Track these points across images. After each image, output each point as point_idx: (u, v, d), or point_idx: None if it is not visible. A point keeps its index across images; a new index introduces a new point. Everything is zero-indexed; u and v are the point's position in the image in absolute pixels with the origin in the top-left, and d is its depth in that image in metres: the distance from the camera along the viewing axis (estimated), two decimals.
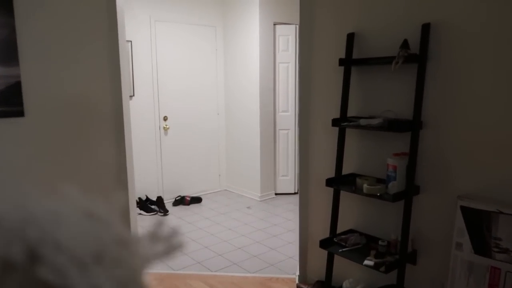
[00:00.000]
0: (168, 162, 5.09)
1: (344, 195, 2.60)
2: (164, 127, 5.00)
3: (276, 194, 5.33)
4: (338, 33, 2.56)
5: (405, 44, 2.16)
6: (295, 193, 5.21)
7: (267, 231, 4.13)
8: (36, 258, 0.29)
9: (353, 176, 2.52)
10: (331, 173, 2.59)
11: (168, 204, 4.92)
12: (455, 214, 2.09)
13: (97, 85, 2.77)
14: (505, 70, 1.93)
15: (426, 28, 2.13)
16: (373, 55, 2.41)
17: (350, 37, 2.48)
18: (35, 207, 0.32)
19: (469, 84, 2.05)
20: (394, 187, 2.23)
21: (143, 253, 0.36)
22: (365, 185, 2.32)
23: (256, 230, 4.16)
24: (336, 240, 2.54)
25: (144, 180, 4.83)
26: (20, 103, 2.48)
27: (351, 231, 2.61)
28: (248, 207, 4.90)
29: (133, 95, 4.64)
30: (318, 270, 2.84)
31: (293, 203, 4.86)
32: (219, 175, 5.63)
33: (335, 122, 2.46)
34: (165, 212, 4.66)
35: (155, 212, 4.67)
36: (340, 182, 2.53)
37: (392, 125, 2.21)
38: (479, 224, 2.00)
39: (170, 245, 0.37)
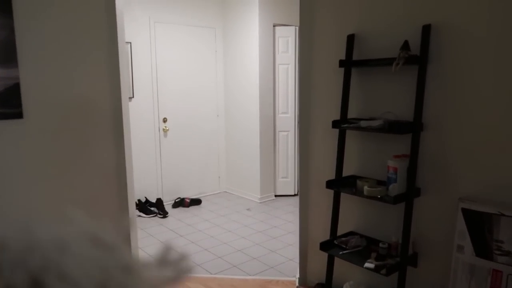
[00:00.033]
0: (167, 164, 5.08)
1: (344, 197, 2.59)
2: (163, 129, 4.99)
3: (276, 196, 5.32)
4: (338, 34, 2.55)
5: (405, 46, 2.15)
6: (295, 195, 5.20)
7: (267, 233, 4.11)
8: (39, 287, 0.29)
9: (353, 178, 2.51)
10: (331, 175, 2.58)
11: (167, 206, 4.91)
12: (456, 217, 2.08)
13: (96, 86, 2.76)
14: (506, 72, 1.92)
15: (426, 29, 2.12)
16: (373, 57, 2.40)
17: (350, 38, 2.47)
18: (40, 232, 0.32)
19: (470, 85, 2.04)
20: (394, 189, 2.22)
21: (150, 279, 0.35)
22: (365, 187, 2.31)
23: (256, 232, 4.14)
24: (336, 243, 2.53)
25: (143, 182, 4.82)
26: (19, 105, 2.47)
27: (351, 233, 2.60)
28: (248, 209, 4.89)
29: (133, 97, 4.63)
30: (318, 272, 2.83)
31: (293, 205, 4.85)
32: (219, 176, 5.62)
33: (335, 124, 2.46)
34: (164, 214, 4.64)
35: (155, 214, 4.65)
36: (341, 184, 2.52)
37: (392, 127, 2.20)
38: (480, 227, 1.99)
39: (178, 270, 0.37)
